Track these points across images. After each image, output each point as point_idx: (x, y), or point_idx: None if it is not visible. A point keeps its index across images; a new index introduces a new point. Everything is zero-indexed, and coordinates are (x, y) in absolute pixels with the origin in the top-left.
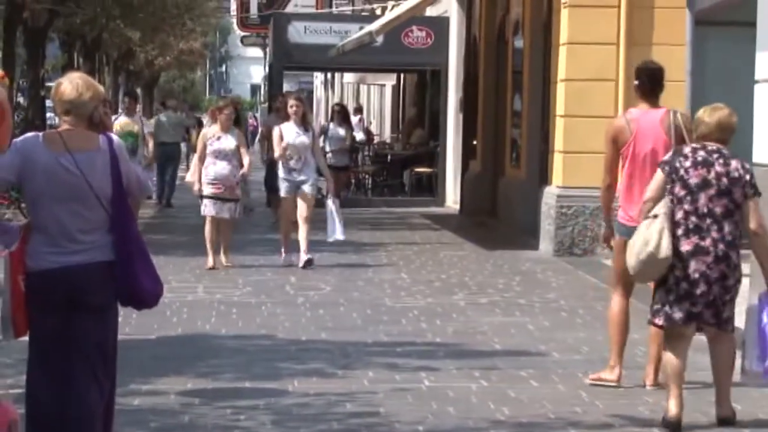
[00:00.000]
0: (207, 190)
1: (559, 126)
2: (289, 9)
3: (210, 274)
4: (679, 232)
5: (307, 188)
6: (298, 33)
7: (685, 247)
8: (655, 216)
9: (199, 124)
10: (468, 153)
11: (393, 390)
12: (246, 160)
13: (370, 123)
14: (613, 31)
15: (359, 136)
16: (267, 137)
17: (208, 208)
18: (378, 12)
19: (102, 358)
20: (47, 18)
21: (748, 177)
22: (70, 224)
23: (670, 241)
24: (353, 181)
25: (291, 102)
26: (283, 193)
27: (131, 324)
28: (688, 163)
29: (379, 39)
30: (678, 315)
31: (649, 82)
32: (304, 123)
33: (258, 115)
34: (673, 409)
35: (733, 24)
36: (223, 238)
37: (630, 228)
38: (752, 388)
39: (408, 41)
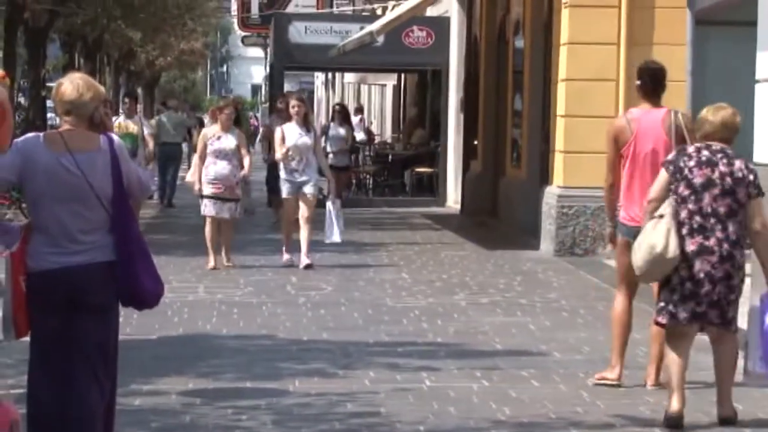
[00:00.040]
0: (207, 189)
1: (560, 126)
2: (290, 9)
3: (211, 274)
4: (684, 231)
5: (308, 189)
6: (298, 33)
7: (690, 246)
8: (661, 216)
9: (201, 124)
10: (469, 153)
11: (394, 390)
12: (246, 161)
13: (371, 123)
14: (613, 31)
15: (360, 136)
16: (268, 138)
17: (208, 208)
18: (379, 12)
19: (103, 359)
20: (48, 18)
21: (751, 177)
22: (71, 224)
23: (677, 241)
24: (354, 181)
25: (293, 102)
26: (284, 194)
27: (132, 324)
28: (692, 163)
29: (380, 39)
30: (683, 314)
31: (651, 82)
32: (306, 123)
33: (259, 115)
34: (675, 405)
35: (733, 24)
36: (224, 238)
37: (630, 228)
38: (754, 388)
39: (409, 41)
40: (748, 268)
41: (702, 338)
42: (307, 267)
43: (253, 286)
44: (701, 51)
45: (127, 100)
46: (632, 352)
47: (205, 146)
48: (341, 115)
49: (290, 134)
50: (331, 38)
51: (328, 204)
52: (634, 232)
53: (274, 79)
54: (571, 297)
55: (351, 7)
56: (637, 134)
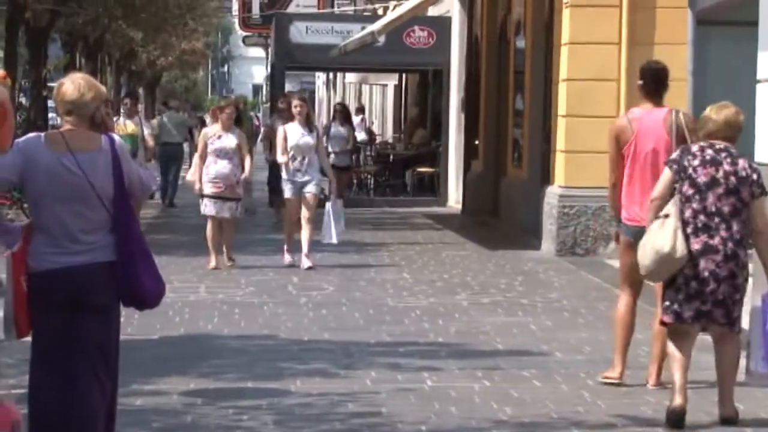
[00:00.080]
0: (208, 189)
1: (561, 126)
2: (291, 9)
3: (212, 274)
4: (688, 230)
5: (311, 188)
6: (300, 33)
7: (694, 245)
8: (666, 215)
9: (202, 124)
10: (470, 153)
11: (395, 390)
12: (247, 162)
13: (372, 123)
14: (614, 30)
15: (361, 136)
16: (269, 137)
17: (208, 208)
18: (380, 12)
19: (104, 359)
20: (49, 18)
21: (755, 176)
22: (72, 224)
23: (684, 241)
24: (355, 181)
25: (295, 102)
26: (287, 194)
27: (133, 324)
28: (696, 162)
29: (381, 39)
30: (688, 313)
31: (653, 82)
32: (309, 123)
33: (260, 115)
34: (678, 400)
35: (734, 23)
36: (225, 238)
37: (631, 227)
38: (756, 388)
39: (410, 41)
40: (750, 268)
41: (704, 338)
42: (309, 269)
43: (254, 286)
44: (702, 51)
45: (127, 100)
46: (634, 352)
47: (205, 145)
48: (342, 115)
49: (292, 134)
50: (332, 38)
51: (328, 204)
52: (634, 232)
53: (275, 79)
54: (572, 297)
55: (352, 7)
56: (638, 134)
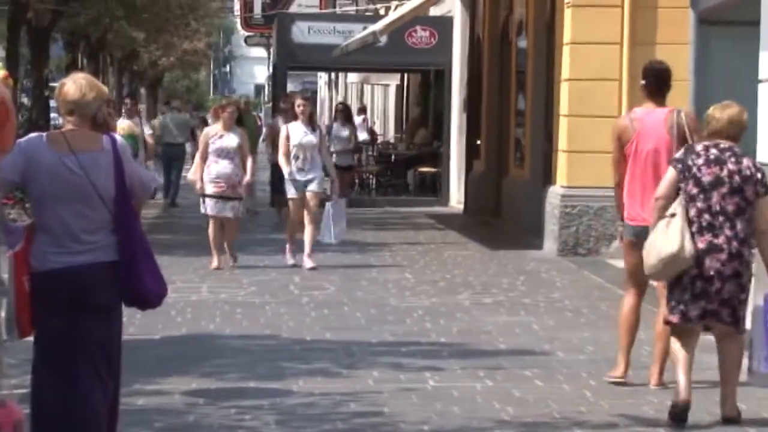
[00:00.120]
0: (209, 188)
1: (563, 126)
2: (293, 9)
3: (214, 274)
4: (693, 229)
5: (314, 187)
6: (301, 33)
7: (699, 245)
8: (673, 215)
9: (205, 123)
10: (472, 153)
11: (398, 390)
12: (248, 163)
13: (374, 123)
14: (616, 30)
15: (363, 136)
16: (272, 137)
17: (209, 208)
18: (382, 12)
19: (106, 358)
20: (51, 18)
21: (759, 175)
22: (74, 224)
23: (691, 240)
24: (357, 181)
25: (299, 101)
26: (290, 194)
27: (135, 324)
28: (700, 161)
29: (383, 39)
30: (694, 312)
31: (656, 83)
32: (312, 122)
33: (262, 115)
34: (682, 394)
35: (737, 23)
36: (227, 237)
37: (632, 227)
38: (758, 388)
39: (412, 41)
40: (753, 267)
41: (706, 338)
42: (311, 269)
43: (256, 286)
44: (704, 51)
45: (127, 100)
46: (636, 351)
47: (206, 145)
48: (344, 114)
49: (295, 133)
50: (334, 38)
51: (328, 204)
52: (636, 232)
53: (277, 79)
54: (574, 297)
55: (354, 7)
56: (639, 133)
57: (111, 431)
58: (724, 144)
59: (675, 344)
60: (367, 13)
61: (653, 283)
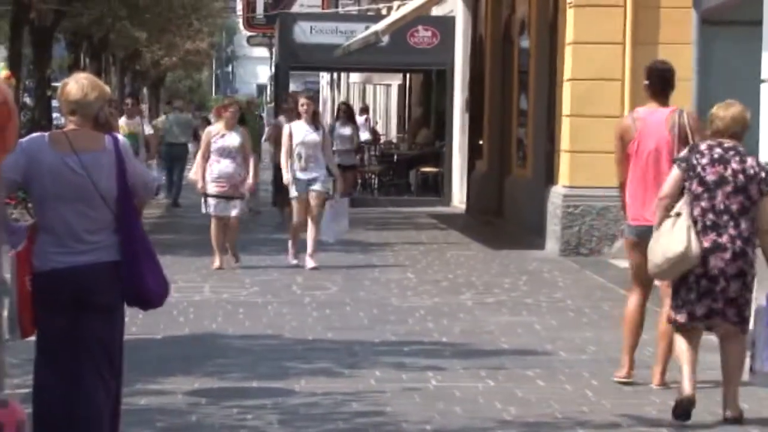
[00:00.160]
0: (211, 188)
1: (565, 125)
2: (295, 9)
3: (217, 274)
4: (697, 229)
5: (317, 187)
6: (304, 33)
7: (704, 244)
8: (678, 214)
9: (207, 123)
10: (474, 153)
11: (400, 389)
12: (251, 165)
13: (376, 123)
14: (618, 30)
15: (365, 135)
16: (275, 137)
17: (211, 207)
18: (384, 12)
19: (109, 358)
20: (54, 18)
21: (763, 174)
22: (76, 224)
23: (697, 239)
24: (359, 180)
25: (302, 100)
26: (293, 192)
27: (138, 324)
28: (704, 160)
29: (385, 39)
30: (700, 311)
31: (659, 83)
32: (315, 121)
33: (264, 114)
34: (687, 390)
35: (739, 23)
36: (229, 237)
37: (633, 227)
38: (760, 387)
39: (414, 41)
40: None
41: (708, 338)
42: (313, 269)
43: (258, 286)
44: (707, 50)
45: (128, 100)
46: (638, 351)
47: (208, 144)
48: (346, 114)
49: (298, 132)
50: (336, 38)
51: (328, 204)
52: (637, 231)
53: (280, 79)
54: (576, 297)
55: (356, 7)
56: (640, 133)
57: (113, 431)
58: (728, 143)
59: (679, 342)
60: (369, 13)
61: (657, 282)
